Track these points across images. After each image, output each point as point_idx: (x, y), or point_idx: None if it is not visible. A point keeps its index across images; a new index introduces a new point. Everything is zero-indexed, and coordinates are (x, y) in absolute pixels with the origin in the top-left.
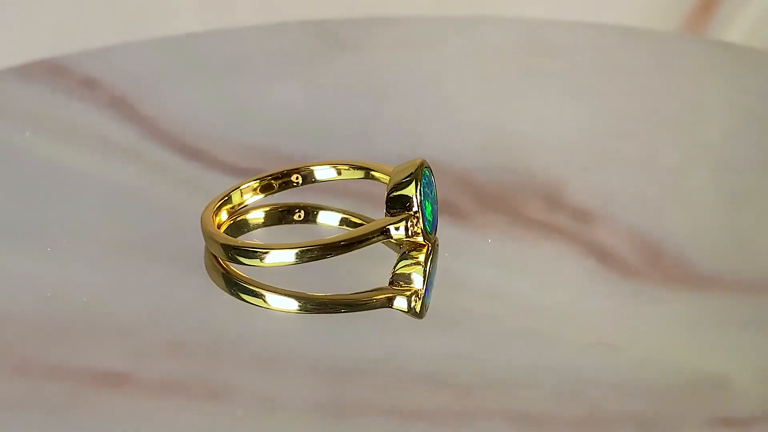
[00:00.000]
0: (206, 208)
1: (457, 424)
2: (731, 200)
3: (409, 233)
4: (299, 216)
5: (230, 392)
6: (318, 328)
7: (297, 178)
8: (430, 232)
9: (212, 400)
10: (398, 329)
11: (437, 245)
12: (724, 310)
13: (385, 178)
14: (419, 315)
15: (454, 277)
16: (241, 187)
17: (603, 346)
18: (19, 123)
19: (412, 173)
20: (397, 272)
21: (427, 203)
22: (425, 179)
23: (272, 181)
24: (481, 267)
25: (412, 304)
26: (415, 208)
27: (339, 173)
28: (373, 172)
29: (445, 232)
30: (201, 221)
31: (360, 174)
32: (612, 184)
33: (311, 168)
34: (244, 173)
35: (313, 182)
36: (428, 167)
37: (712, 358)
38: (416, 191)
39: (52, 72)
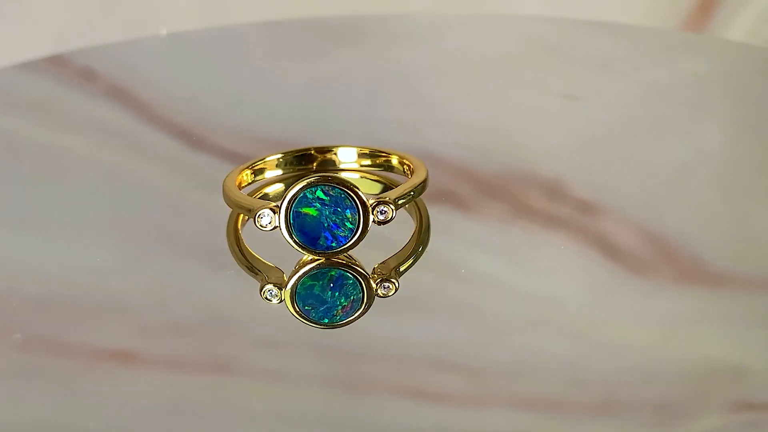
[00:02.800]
0: (229, 175)
1: (465, 403)
2: (731, 196)
3: (261, 225)
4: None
5: (237, 368)
6: None
7: (319, 155)
8: (305, 245)
9: (219, 374)
10: (405, 314)
11: (357, 277)
12: (734, 298)
13: (400, 169)
14: (296, 314)
15: (456, 266)
16: (266, 159)
17: None
18: (23, 113)
19: (306, 182)
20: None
21: (305, 219)
22: (324, 197)
23: (295, 157)
24: (483, 257)
25: (265, 293)
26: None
27: (360, 166)
28: (392, 158)
29: (446, 220)
30: (224, 187)
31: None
32: (615, 180)
33: (335, 149)
34: (242, 159)
35: (334, 166)
36: (345, 191)
37: (725, 348)
38: (284, 204)
39: (54, 65)
